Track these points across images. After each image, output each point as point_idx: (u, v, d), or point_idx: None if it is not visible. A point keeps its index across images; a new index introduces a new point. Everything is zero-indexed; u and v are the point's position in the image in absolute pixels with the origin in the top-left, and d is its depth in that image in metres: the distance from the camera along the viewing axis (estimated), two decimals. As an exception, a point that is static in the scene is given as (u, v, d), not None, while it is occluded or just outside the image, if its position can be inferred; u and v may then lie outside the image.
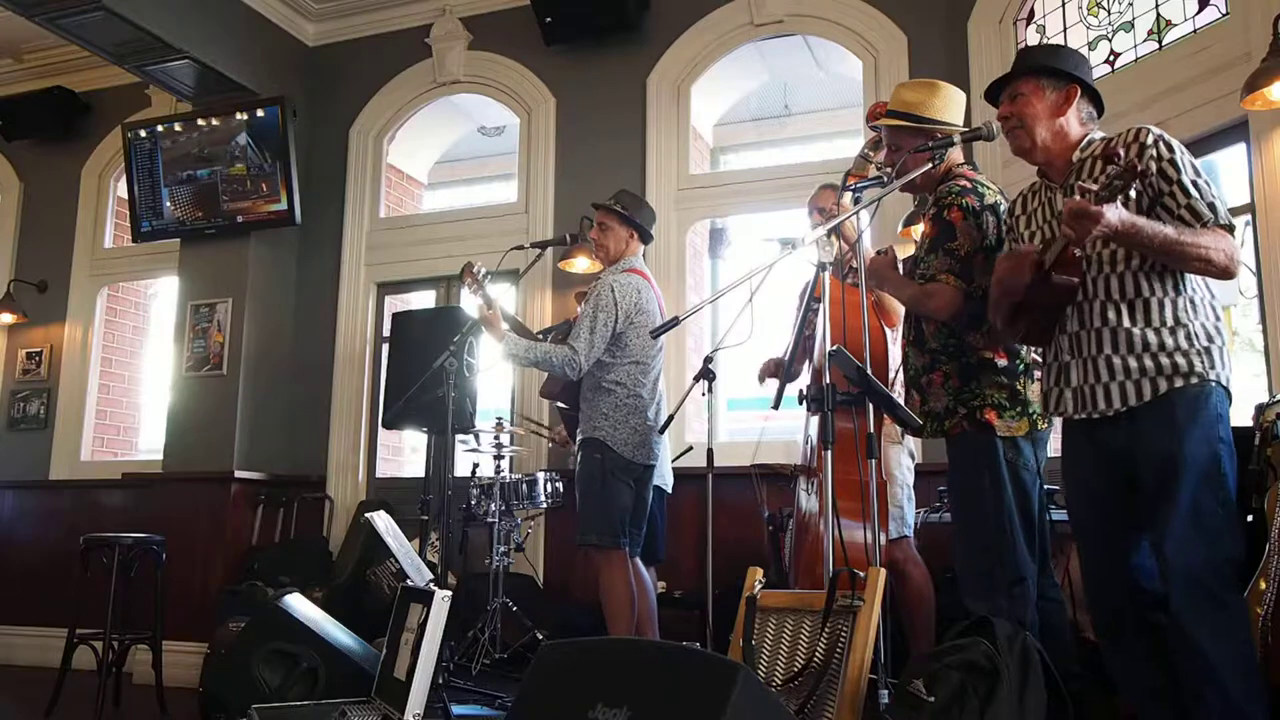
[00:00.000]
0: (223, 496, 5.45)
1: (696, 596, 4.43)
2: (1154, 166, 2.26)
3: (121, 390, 6.67)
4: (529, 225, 5.59)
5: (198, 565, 5.31)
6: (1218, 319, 2.33)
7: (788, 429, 4.13)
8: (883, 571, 2.39)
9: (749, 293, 2.93)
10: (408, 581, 3.44)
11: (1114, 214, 2.12)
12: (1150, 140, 2.28)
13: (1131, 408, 2.29)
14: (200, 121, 5.79)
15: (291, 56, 6.14)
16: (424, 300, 6.13)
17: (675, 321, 3.19)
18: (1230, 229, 2.24)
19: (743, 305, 3.03)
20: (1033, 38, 4.77)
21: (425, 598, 2.86)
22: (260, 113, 5.67)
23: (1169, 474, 2.21)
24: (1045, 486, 2.79)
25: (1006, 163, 4.42)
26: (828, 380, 2.62)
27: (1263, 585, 2.56)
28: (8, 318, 6.52)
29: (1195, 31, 4.08)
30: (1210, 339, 2.29)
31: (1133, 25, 4.38)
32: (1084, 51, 4.19)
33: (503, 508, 4.59)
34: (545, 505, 4.71)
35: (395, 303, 6.06)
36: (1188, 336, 2.27)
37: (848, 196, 3.31)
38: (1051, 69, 2.49)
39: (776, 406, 2.96)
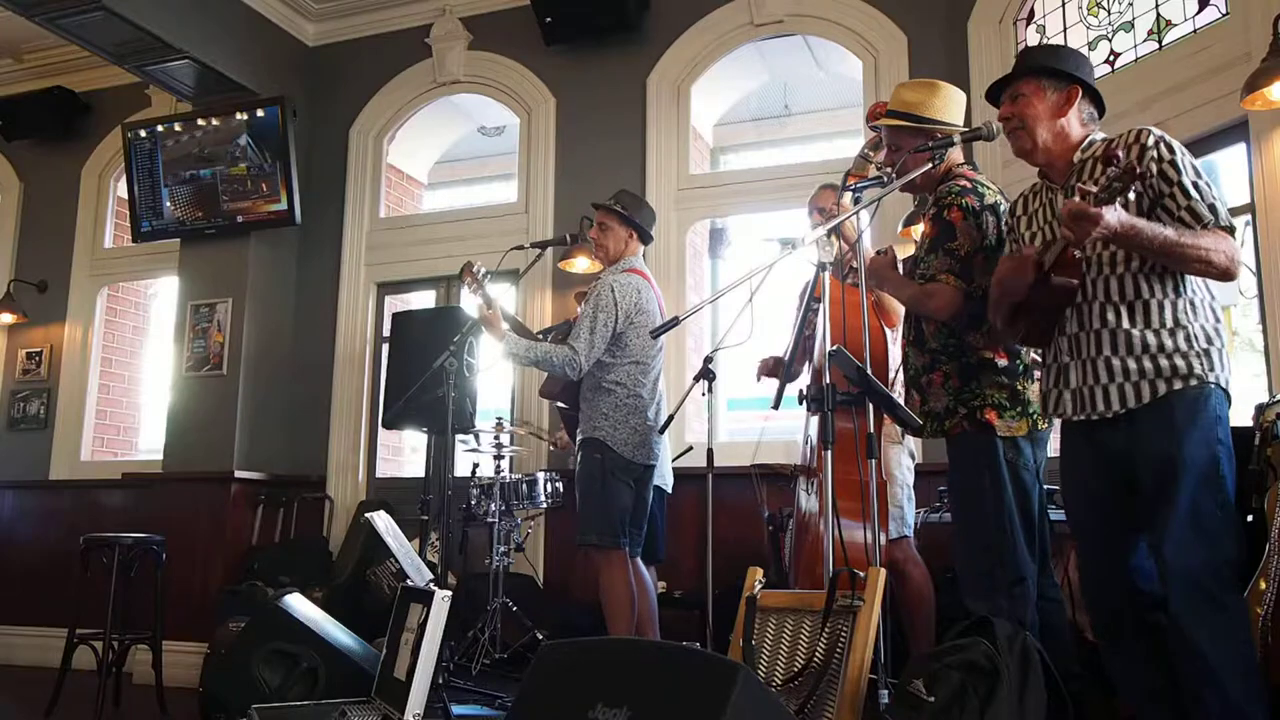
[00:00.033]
0: (223, 496, 5.45)
1: (696, 596, 4.43)
2: (1155, 168, 2.26)
3: (121, 390, 6.67)
4: (529, 225, 5.59)
5: (198, 565, 5.31)
6: (1218, 321, 2.33)
7: (788, 429, 4.13)
8: (883, 571, 2.39)
9: (749, 293, 2.93)
10: (408, 581, 3.44)
11: (1113, 216, 2.12)
12: (1151, 142, 2.28)
13: (1130, 410, 2.29)
14: (200, 121, 5.79)
15: (291, 56, 6.14)
16: (424, 300, 6.13)
17: (675, 321, 3.19)
18: (1231, 230, 2.24)
19: (743, 305, 3.03)
20: (1033, 38, 4.77)
21: (425, 598, 2.86)
22: (260, 113, 5.67)
23: (1168, 476, 2.21)
24: (1045, 487, 2.79)
25: (1007, 163, 4.42)
26: (828, 380, 2.62)
27: (1263, 585, 2.56)
28: (8, 318, 6.52)
29: (1195, 31, 4.09)
30: (1210, 341, 2.28)
31: (1133, 25, 4.38)
32: (1084, 51, 4.19)
33: (503, 508, 4.59)
34: (545, 505, 4.72)
35: (395, 303, 6.06)
36: (1187, 338, 2.27)
37: (848, 196, 3.31)
38: (1053, 69, 2.49)
39: (776, 406, 2.96)
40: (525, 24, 5.64)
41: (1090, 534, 2.45)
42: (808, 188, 3.98)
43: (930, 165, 2.78)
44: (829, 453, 2.58)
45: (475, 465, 4.86)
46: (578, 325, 3.72)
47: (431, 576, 3.61)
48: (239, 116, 5.72)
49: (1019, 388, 2.71)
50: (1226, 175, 4.01)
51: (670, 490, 4.10)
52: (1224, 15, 3.96)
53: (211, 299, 5.77)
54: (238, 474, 5.48)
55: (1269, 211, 3.65)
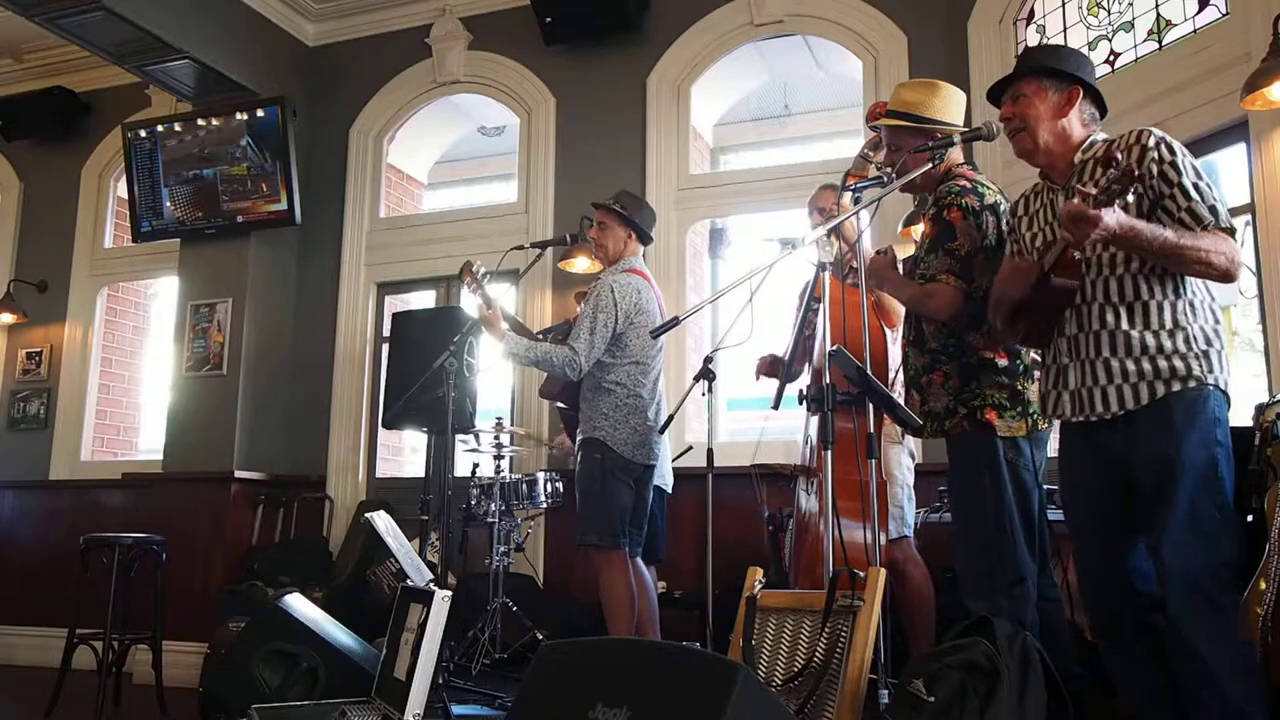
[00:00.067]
0: (223, 496, 5.45)
1: (696, 596, 4.43)
2: (1155, 169, 2.25)
3: (121, 390, 6.67)
4: (529, 225, 5.59)
5: (198, 565, 5.31)
6: (1217, 322, 2.33)
7: (788, 429, 4.13)
8: (883, 571, 2.39)
9: (749, 293, 2.93)
10: (408, 581, 3.44)
11: (1112, 217, 2.11)
12: (1152, 143, 2.27)
13: (1129, 411, 2.29)
14: (200, 121, 5.79)
15: (291, 56, 6.14)
16: (424, 300, 6.13)
17: (675, 321, 3.19)
18: (1231, 232, 2.24)
19: (743, 305, 3.03)
20: (1033, 38, 4.77)
21: (425, 598, 2.86)
22: (260, 113, 5.67)
23: (1166, 478, 2.20)
24: (1045, 487, 2.79)
25: (1007, 163, 4.42)
26: (828, 380, 2.62)
27: (1263, 585, 2.55)
28: (8, 318, 6.52)
29: (1195, 31, 4.09)
30: (1209, 342, 2.28)
31: (1133, 25, 4.38)
32: (1084, 51, 4.19)
33: (503, 508, 4.59)
34: (545, 505, 4.72)
35: (395, 303, 6.06)
36: (1186, 340, 2.27)
37: (847, 196, 3.31)
38: (1054, 70, 2.49)
39: (776, 406, 2.96)
40: (525, 24, 5.64)
41: (1088, 535, 2.45)
42: (808, 188, 3.98)
43: (930, 165, 2.78)
44: (829, 453, 2.58)
45: (475, 465, 4.86)
46: (577, 325, 3.72)
47: (431, 576, 3.61)
48: (239, 116, 5.72)
49: (1019, 388, 2.71)
50: (1226, 175, 4.01)
51: (670, 490, 4.10)
52: (1224, 15, 3.96)
53: (211, 299, 5.77)
54: (238, 474, 5.49)
55: (1269, 211, 3.65)
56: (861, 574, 2.37)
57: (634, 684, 1.92)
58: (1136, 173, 2.07)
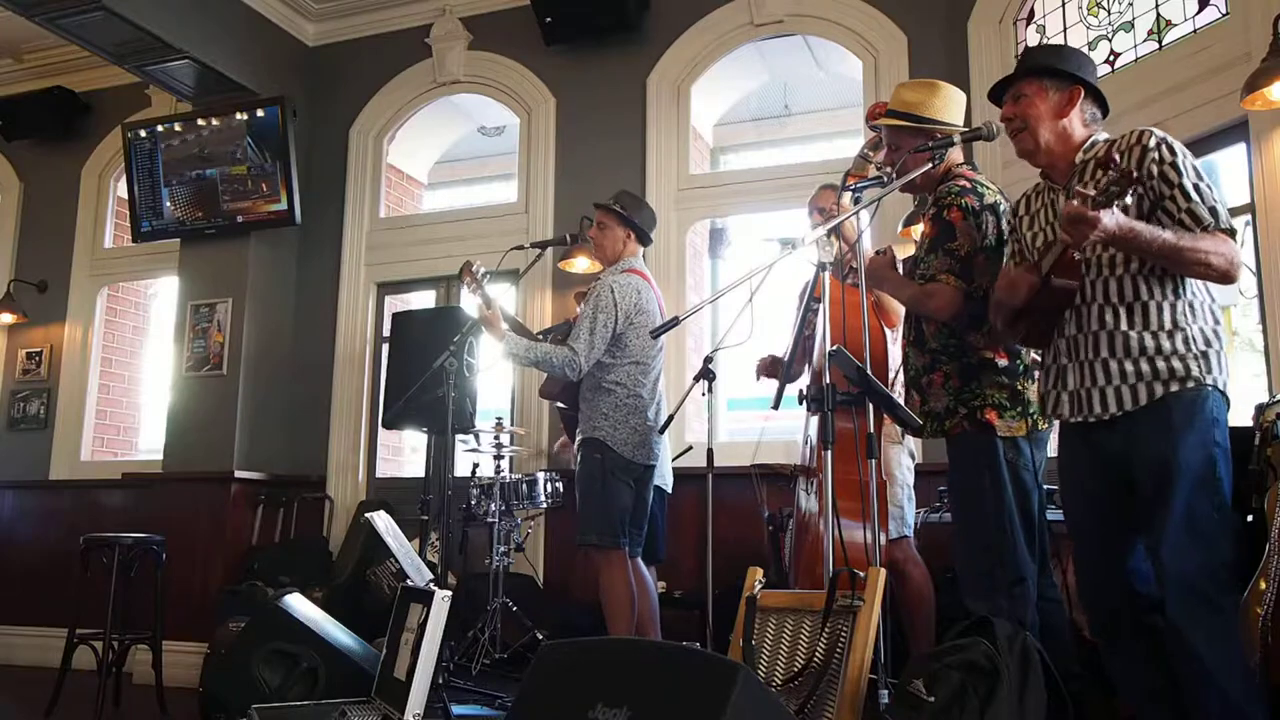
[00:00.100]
0: (223, 496, 5.45)
1: (696, 596, 4.43)
2: (1156, 170, 2.25)
3: (121, 390, 6.67)
4: (529, 225, 5.59)
5: (198, 565, 5.31)
6: (1217, 323, 2.32)
7: (788, 429, 4.13)
8: (883, 571, 2.39)
9: (749, 293, 2.93)
10: (408, 581, 3.44)
11: (1111, 219, 2.11)
12: (1153, 143, 2.27)
13: (1128, 412, 2.29)
14: (200, 121, 5.79)
15: (291, 56, 6.14)
16: (424, 300, 6.13)
17: (675, 321, 3.19)
18: (1231, 233, 2.24)
19: (743, 305, 3.03)
20: (1033, 38, 4.77)
21: (425, 598, 2.86)
22: (260, 113, 5.67)
23: (1164, 479, 2.20)
24: (1045, 487, 2.79)
25: (1007, 163, 4.42)
26: (828, 380, 2.62)
27: (1263, 585, 2.55)
28: (8, 318, 6.52)
29: (1195, 31, 4.09)
30: (1208, 343, 2.28)
31: (1133, 25, 4.38)
32: (1085, 51, 4.19)
33: (503, 508, 4.59)
34: (545, 505, 4.72)
35: (395, 303, 6.06)
36: (1185, 341, 2.27)
37: (847, 196, 3.31)
38: (1055, 70, 2.49)
39: (776, 406, 2.96)
40: (525, 24, 5.64)
41: (1087, 535, 2.45)
42: (808, 188, 3.98)
43: (930, 165, 2.78)
44: (829, 453, 2.58)
45: (475, 465, 4.86)
46: (577, 326, 3.72)
47: (431, 576, 3.61)
48: (239, 116, 5.72)
49: (1019, 388, 2.71)
50: (1226, 175, 4.01)
51: (670, 490, 4.10)
52: (1224, 15, 3.96)
53: (211, 299, 5.77)
54: (238, 474, 5.48)
55: (1269, 211, 3.65)
56: (861, 574, 2.37)
57: (634, 684, 1.92)
58: (1135, 175, 2.07)
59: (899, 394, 2.98)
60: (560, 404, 4.34)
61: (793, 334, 3.41)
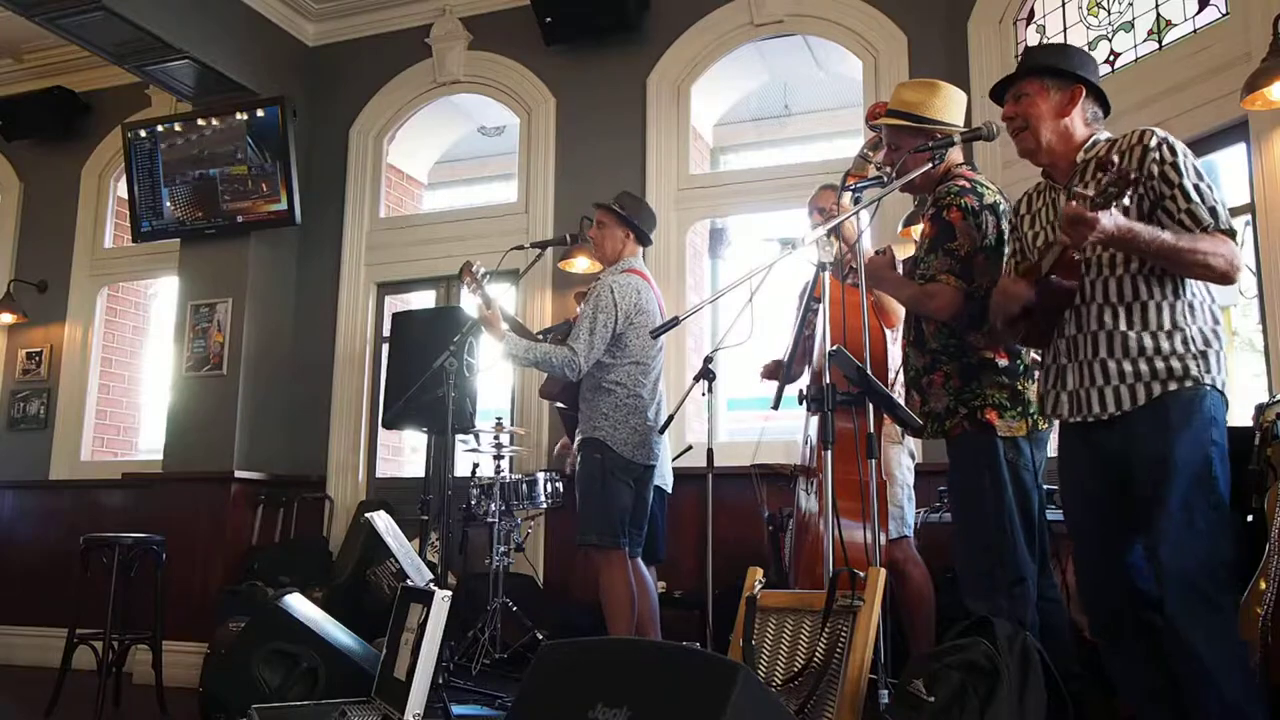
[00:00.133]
0: (223, 496, 5.45)
1: (696, 596, 4.43)
2: (1156, 170, 2.25)
3: (121, 390, 6.67)
4: (529, 225, 5.59)
5: (198, 565, 5.31)
6: (1216, 323, 2.32)
7: (788, 429, 4.13)
8: (883, 571, 2.39)
9: (749, 293, 2.93)
10: (408, 581, 3.44)
11: (1109, 220, 2.11)
12: (1154, 143, 2.27)
13: (1126, 411, 2.29)
14: (200, 121, 5.79)
15: (291, 56, 6.14)
16: (424, 300, 6.13)
17: (675, 321, 3.19)
18: (1231, 234, 2.23)
19: (743, 305, 3.03)
20: (1033, 38, 4.77)
21: (425, 598, 2.86)
22: (260, 113, 5.67)
23: (1160, 477, 2.20)
24: (1045, 487, 2.79)
25: (1007, 163, 4.42)
26: (828, 380, 2.62)
27: (1263, 585, 2.56)
28: (8, 318, 6.52)
29: (1195, 31, 4.09)
30: (1207, 343, 2.28)
31: (1133, 25, 4.38)
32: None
33: (503, 508, 4.59)
34: (545, 505, 4.72)
35: (395, 303, 6.05)
36: (1184, 341, 2.27)
37: (847, 196, 3.31)
38: (1056, 69, 2.48)
39: (776, 407, 2.96)
40: (525, 24, 5.64)
41: (1087, 535, 2.45)
42: (808, 188, 3.98)
43: (930, 165, 2.78)
44: (829, 453, 2.58)
45: (475, 465, 4.86)
46: (577, 326, 3.72)
47: (431, 576, 3.61)
48: (239, 116, 5.72)
49: (1019, 388, 2.71)
50: (1226, 175, 4.01)
51: (670, 490, 4.10)
52: (1224, 15, 3.96)
53: (211, 299, 5.77)
54: (238, 474, 5.49)
55: (1269, 211, 3.65)
56: (861, 574, 2.37)
57: (634, 684, 1.92)
58: (1133, 176, 2.07)
59: (899, 394, 2.97)
60: (560, 404, 4.34)
61: (793, 334, 3.41)
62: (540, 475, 4.69)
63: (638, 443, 3.68)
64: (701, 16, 5.43)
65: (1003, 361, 2.73)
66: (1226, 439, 2.27)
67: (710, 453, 3.43)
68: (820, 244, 2.88)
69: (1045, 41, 4.64)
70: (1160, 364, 2.26)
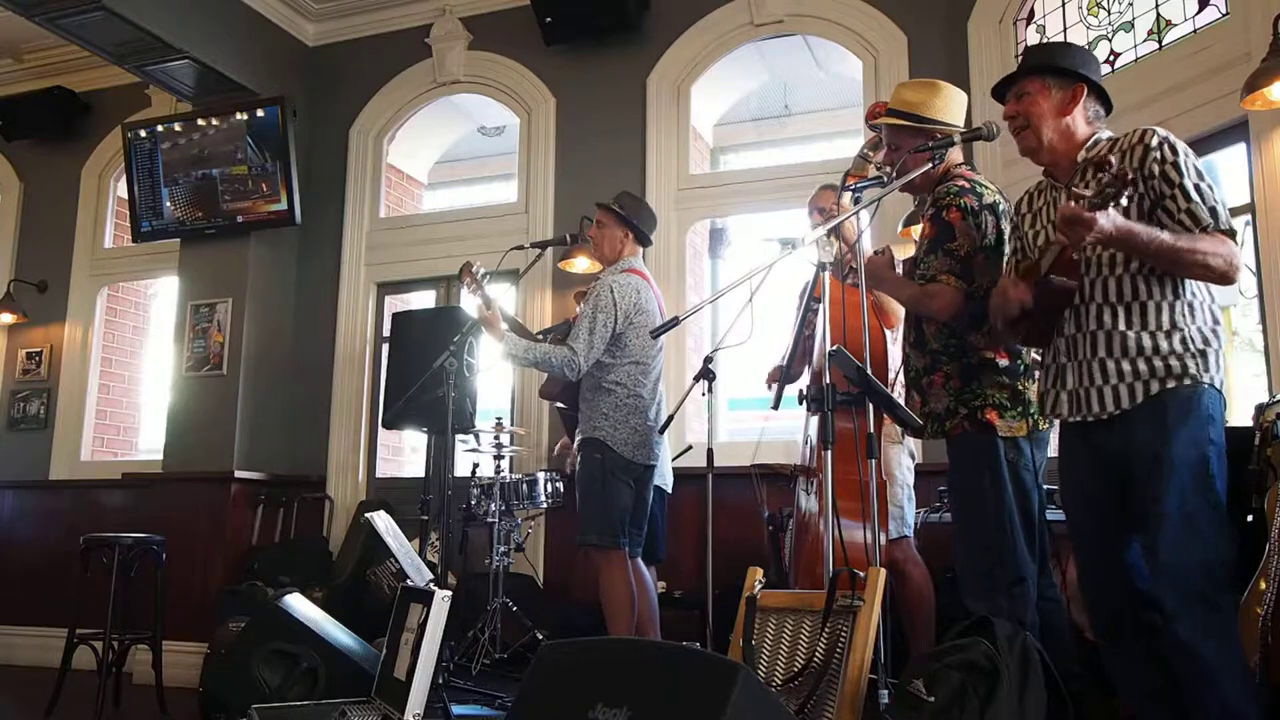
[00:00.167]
0: (223, 496, 5.45)
1: (696, 596, 4.43)
2: (1157, 169, 2.25)
3: (121, 390, 6.67)
4: (529, 225, 5.59)
5: (198, 565, 5.31)
6: (1216, 323, 2.32)
7: (788, 429, 4.13)
8: (883, 571, 2.39)
9: (749, 293, 2.93)
10: (408, 581, 3.44)
11: (1107, 220, 2.11)
12: (1155, 142, 2.27)
13: (1125, 410, 2.29)
14: (200, 121, 5.79)
15: (291, 56, 6.14)
16: (424, 300, 6.13)
17: (675, 321, 3.19)
18: (1231, 234, 2.23)
19: (743, 305, 3.03)
20: (1033, 38, 4.77)
21: (425, 598, 2.86)
22: (260, 113, 5.67)
23: (1157, 474, 2.20)
24: (1045, 487, 2.78)
25: (1007, 163, 4.42)
26: (828, 380, 2.62)
27: (1263, 585, 2.56)
28: (8, 318, 6.52)
29: (1195, 31, 4.09)
30: (1206, 342, 2.28)
31: (1133, 25, 4.38)
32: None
33: (503, 508, 4.59)
34: (545, 505, 4.72)
35: (395, 303, 6.06)
36: (1183, 340, 2.27)
37: (847, 196, 3.31)
38: (1058, 67, 2.48)
39: (776, 407, 2.96)
40: (525, 24, 5.64)
41: (1087, 535, 2.44)
42: (808, 188, 3.98)
43: (930, 165, 2.77)
44: (829, 453, 2.58)
45: (475, 465, 4.86)
46: (577, 326, 3.72)
47: (431, 576, 3.61)
48: (239, 116, 5.72)
49: (1020, 388, 2.71)
50: (1226, 175, 4.01)
51: (670, 490, 4.10)
52: (1224, 15, 3.96)
53: (211, 299, 5.77)
54: (238, 474, 5.49)
55: (1269, 211, 3.65)
56: (861, 574, 2.37)
57: (634, 684, 1.92)
58: (1129, 176, 2.07)
59: (899, 394, 2.97)
60: (560, 404, 4.34)
61: (793, 334, 3.41)
62: (540, 475, 4.69)
63: (638, 443, 3.68)
64: (701, 16, 5.43)
65: (1003, 361, 2.73)
66: (1224, 437, 2.27)
67: (710, 453, 3.43)
68: (820, 244, 2.88)
69: (1046, 40, 4.64)
70: (1159, 363, 2.26)
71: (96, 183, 6.70)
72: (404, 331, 5.19)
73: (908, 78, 4.74)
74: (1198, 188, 2.23)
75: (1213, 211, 2.22)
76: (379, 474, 5.87)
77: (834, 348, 2.61)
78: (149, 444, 6.57)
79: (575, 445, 3.88)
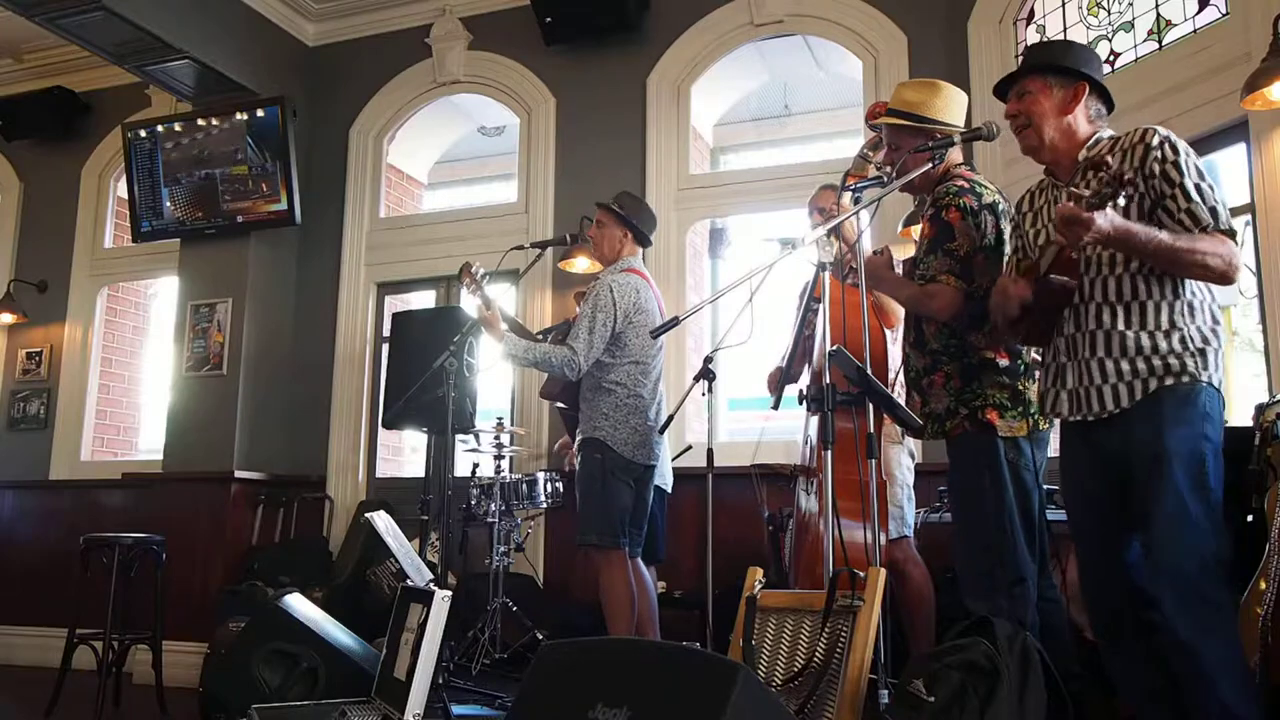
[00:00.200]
0: (223, 496, 5.45)
1: (696, 596, 4.43)
2: (1157, 169, 2.25)
3: (121, 390, 6.67)
4: (529, 225, 5.59)
5: (198, 565, 5.31)
6: (1215, 322, 2.32)
7: (788, 429, 4.13)
8: (883, 571, 2.39)
9: (749, 293, 2.93)
10: (408, 581, 3.44)
11: (1105, 220, 2.11)
12: (1155, 141, 2.27)
13: (1124, 409, 2.29)
14: (200, 121, 5.79)
15: (291, 56, 6.14)
16: (424, 300, 6.13)
17: (675, 321, 3.19)
18: (1231, 234, 2.23)
19: (743, 305, 3.03)
20: (1033, 38, 4.77)
21: (425, 598, 2.86)
22: (260, 113, 5.67)
23: (1154, 471, 2.20)
24: (1045, 487, 2.78)
25: (1007, 163, 4.42)
26: (828, 380, 2.62)
27: (1263, 585, 2.56)
28: (8, 318, 6.52)
29: (1195, 31, 4.09)
30: (1206, 341, 2.28)
31: (1133, 25, 4.38)
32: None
33: (503, 508, 4.59)
34: (545, 505, 4.72)
35: (395, 303, 6.06)
36: (1182, 339, 2.27)
37: (847, 196, 3.31)
38: (1060, 66, 2.48)
39: (776, 407, 2.96)
40: (525, 24, 5.64)
41: (1088, 534, 2.45)
42: (808, 188, 3.98)
43: (930, 165, 2.77)
44: (829, 453, 2.58)
45: (475, 465, 4.86)
46: (576, 326, 3.72)
47: (431, 576, 3.61)
48: (239, 116, 5.72)
49: (1020, 388, 2.71)
50: (1226, 175, 4.01)
51: (670, 490, 4.10)
52: (1224, 15, 3.96)
53: (211, 299, 5.77)
54: (238, 474, 5.49)
55: (1269, 211, 3.65)
56: (861, 574, 2.37)
57: (634, 684, 1.92)
58: (1127, 176, 2.07)
59: (899, 394, 2.97)
60: (560, 404, 4.34)
61: (793, 334, 3.41)
62: (540, 475, 4.69)
63: (638, 443, 3.68)
64: (701, 16, 5.43)
65: (1003, 361, 2.73)
66: (1221, 436, 2.27)
67: (710, 453, 3.43)
68: (820, 244, 2.88)
69: (1046, 40, 4.64)
70: (1157, 361, 2.26)
71: (96, 183, 6.70)
72: (404, 331, 5.19)
73: (908, 78, 4.74)
74: (1198, 187, 2.23)
75: (1213, 211, 2.22)
76: (379, 474, 5.87)
77: (834, 348, 2.61)
78: (149, 444, 6.57)
79: (575, 445, 3.88)
